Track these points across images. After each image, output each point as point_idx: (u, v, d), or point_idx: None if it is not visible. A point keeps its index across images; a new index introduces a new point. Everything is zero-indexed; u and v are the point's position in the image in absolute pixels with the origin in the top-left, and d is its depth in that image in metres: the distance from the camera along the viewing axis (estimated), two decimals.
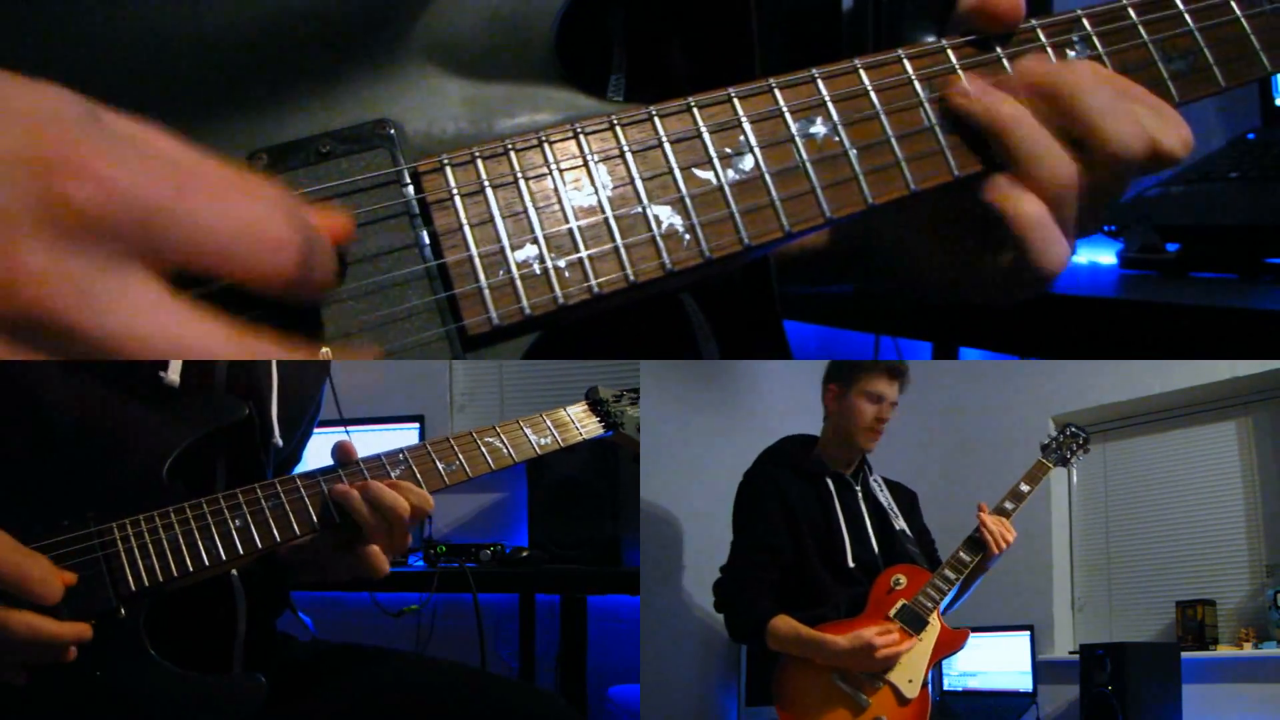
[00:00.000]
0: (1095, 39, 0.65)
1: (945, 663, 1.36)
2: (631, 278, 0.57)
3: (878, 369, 1.36)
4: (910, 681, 1.21)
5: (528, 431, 0.92)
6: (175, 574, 0.71)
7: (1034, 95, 0.62)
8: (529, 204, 0.57)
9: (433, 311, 0.55)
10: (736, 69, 0.69)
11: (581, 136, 0.58)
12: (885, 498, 1.42)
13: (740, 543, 1.37)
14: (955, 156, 0.62)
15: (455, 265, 0.55)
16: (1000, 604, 1.73)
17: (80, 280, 0.40)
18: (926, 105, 0.63)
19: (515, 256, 0.56)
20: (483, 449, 0.88)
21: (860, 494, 1.39)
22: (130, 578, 0.69)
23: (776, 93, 0.61)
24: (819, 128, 0.61)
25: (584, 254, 0.56)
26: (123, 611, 0.69)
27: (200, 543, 0.73)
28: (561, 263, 0.56)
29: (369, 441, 0.85)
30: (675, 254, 0.57)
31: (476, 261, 0.55)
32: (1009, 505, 1.29)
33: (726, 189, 0.59)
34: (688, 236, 0.58)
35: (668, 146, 0.59)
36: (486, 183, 0.57)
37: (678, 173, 0.58)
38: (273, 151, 0.55)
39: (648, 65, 0.74)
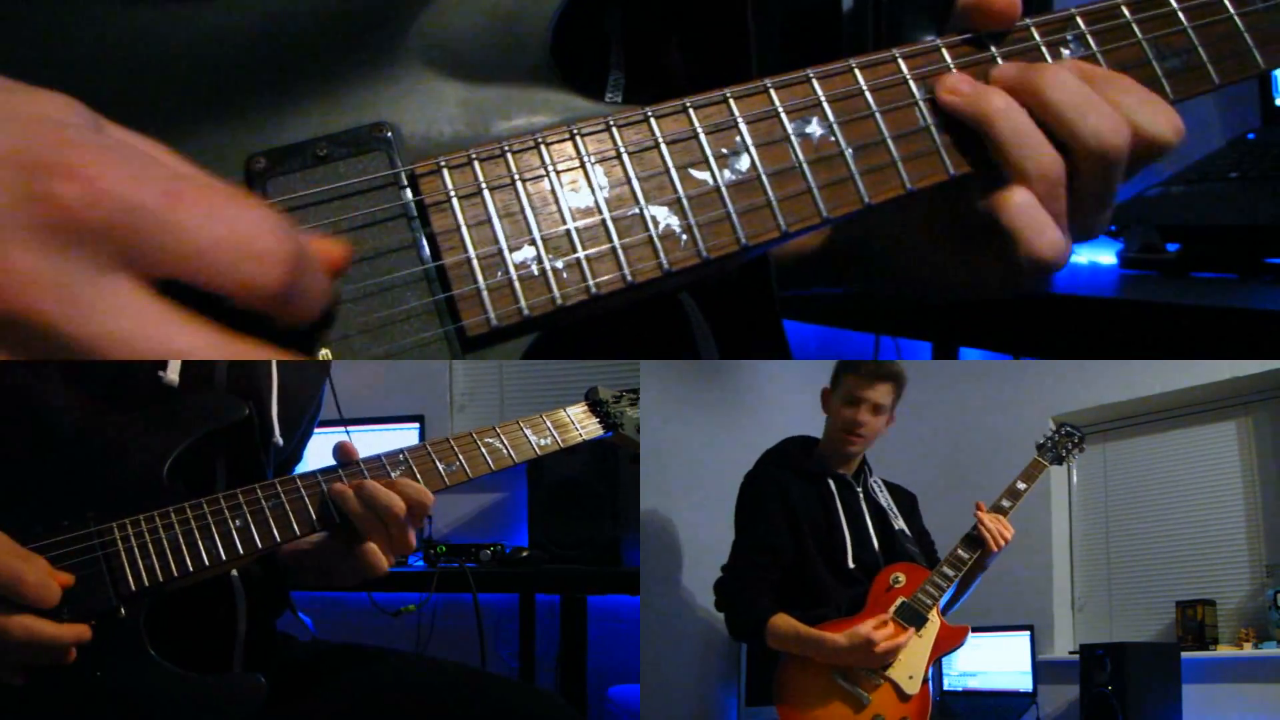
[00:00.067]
0: (1089, 38, 0.66)
1: (945, 662, 1.36)
2: (629, 278, 0.57)
3: (858, 371, 1.37)
4: (910, 678, 1.21)
5: (527, 432, 0.92)
6: (175, 574, 0.71)
7: (1011, 96, 0.63)
8: (526, 205, 0.57)
9: (431, 313, 0.56)
10: (734, 69, 0.69)
11: (578, 138, 0.58)
12: (885, 499, 1.42)
13: (742, 542, 1.37)
14: (950, 156, 0.63)
15: (453, 267, 0.56)
16: (1000, 604, 1.73)
17: (63, 280, 0.40)
18: (922, 105, 0.63)
19: (513, 258, 0.56)
20: (483, 450, 0.88)
21: (862, 495, 1.39)
22: (130, 578, 0.70)
23: (772, 93, 0.61)
24: (815, 128, 0.61)
25: (581, 255, 0.57)
26: (123, 611, 0.69)
27: (200, 543, 0.73)
28: (559, 263, 0.56)
29: (369, 441, 0.85)
30: (672, 254, 0.58)
31: (474, 263, 0.56)
32: (1006, 503, 1.29)
33: (723, 189, 0.59)
34: (685, 237, 0.58)
35: (664, 147, 0.59)
36: (484, 184, 0.57)
37: (674, 173, 0.59)
38: (270, 155, 0.56)
39: (645, 66, 0.74)
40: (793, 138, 0.61)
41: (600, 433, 0.98)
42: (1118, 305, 1.13)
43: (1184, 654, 1.51)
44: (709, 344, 0.81)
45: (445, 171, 0.57)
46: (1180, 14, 0.66)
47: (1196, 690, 1.49)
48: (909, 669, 1.22)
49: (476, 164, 0.57)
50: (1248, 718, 1.49)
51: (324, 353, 0.54)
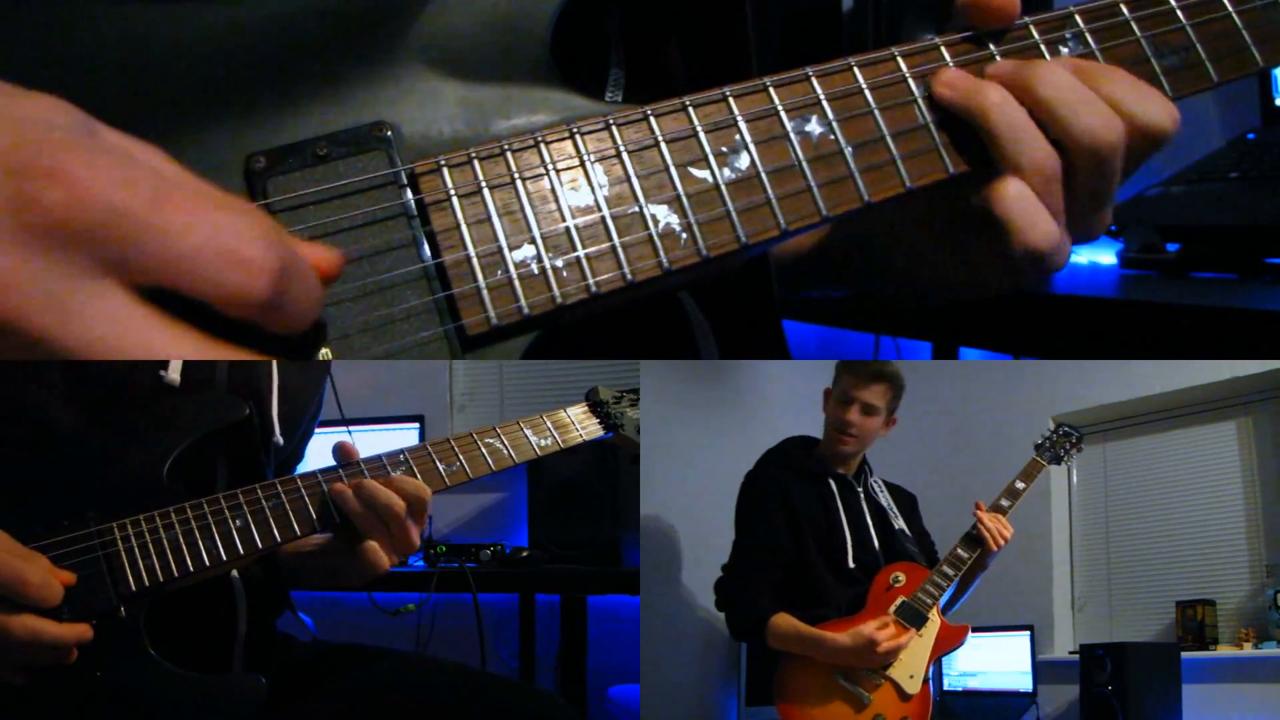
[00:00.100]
0: (1088, 36, 0.66)
1: (945, 662, 1.36)
2: (629, 277, 0.57)
3: (854, 371, 1.37)
4: (911, 678, 1.21)
5: (528, 432, 0.92)
6: (175, 574, 0.71)
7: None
8: (526, 204, 0.57)
9: (431, 312, 0.56)
10: (734, 69, 0.69)
11: (578, 136, 0.58)
12: (886, 499, 1.42)
13: (742, 542, 1.37)
14: (949, 154, 0.63)
15: (453, 265, 0.56)
16: (1000, 604, 1.73)
17: (47, 284, 0.40)
18: (921, 103, 0.63)
19: (513, 256, 0.56)
20: (483, 450, 0.88)
21: (862, 495, 1.40)
22: (130, 577, 0.70)
23: (771, 91, 0.61)
24: (814, 126, 0.61)
25: (581, 253, 0.57)
26: (123, 611, 0.69)
27: (200, 543, 0.73)
28: (559, 262, 0.56)
29: (369, 441, 0.85)
30: (672, 253, 0.58)
31: (474, 261, 0.56)
32: (1005, 503, 1.29)
33: (723, 187, 0.59)
34: (685, 235, 0.58)
35: (663, 146, 0.59)
36: (483, 183, 0.57)
37: (674, 171, 0.59)
38: (270, 154, 0.56)
39: (645, 66, 0.74)
40: (792, 136, 0.61)
41: (600, 433, 0.98)
42: (1118, 305, 1.13)
43: (1184, 654, 1.51)
44: (709, 344, 0.81)
45: (445, 170, 0.57)
46: (1179, 12, 0.66)
47: (1196, 690, 1.49)
48: (910, 668, 1.22)
49: (476, 163, 0.57)
50: (1248, 718, 1.49)
51: (324, 352, 0.54)
